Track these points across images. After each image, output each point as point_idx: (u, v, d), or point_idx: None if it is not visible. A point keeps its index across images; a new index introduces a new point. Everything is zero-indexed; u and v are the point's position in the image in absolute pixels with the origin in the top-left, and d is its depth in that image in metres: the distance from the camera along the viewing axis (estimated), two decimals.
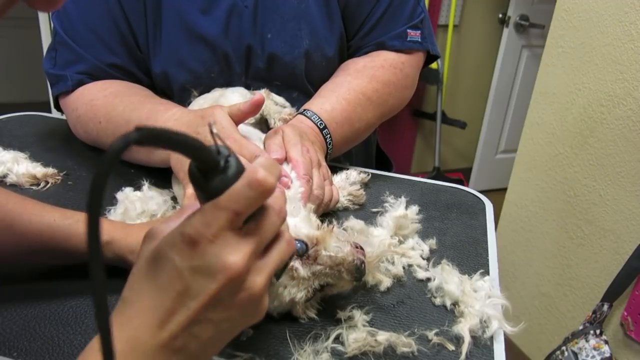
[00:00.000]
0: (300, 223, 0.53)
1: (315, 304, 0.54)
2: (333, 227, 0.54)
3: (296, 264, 0.50)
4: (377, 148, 1.12)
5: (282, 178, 0.61)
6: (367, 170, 0.86)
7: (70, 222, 0.54)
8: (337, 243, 0.51)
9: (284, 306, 0.52)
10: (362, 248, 0.52)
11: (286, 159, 0.66)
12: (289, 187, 0.61)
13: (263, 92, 0.80)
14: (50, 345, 0.49)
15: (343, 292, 0.55)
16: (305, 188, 0.62)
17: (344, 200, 0.75)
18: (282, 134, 0.68)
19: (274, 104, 0.81)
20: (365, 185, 0.82)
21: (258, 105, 0.68)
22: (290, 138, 0.67)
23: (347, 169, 0.82)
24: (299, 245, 0.50)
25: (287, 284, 0.50)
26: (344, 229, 0.57)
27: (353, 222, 0.59)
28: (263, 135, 0.72)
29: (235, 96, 0.78)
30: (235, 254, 0.34)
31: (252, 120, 0.77)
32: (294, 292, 0.50)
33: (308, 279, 0.50)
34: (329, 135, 0.77)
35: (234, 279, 0.34)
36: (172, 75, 0.85)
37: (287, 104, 0.84)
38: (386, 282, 0.59)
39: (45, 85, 0.84)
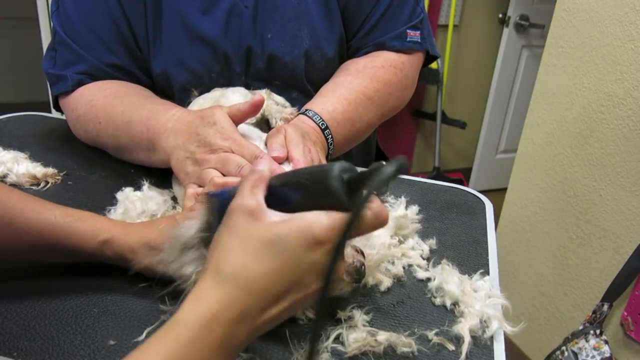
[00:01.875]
0: None
1: (313, 304, 0.54)
2: None
3: None
4: (377, 148, 1.12)
5: None
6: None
7: (70, 220, 0.54)
8: None
9: None
10: (361, 251, 0.52)
11: (287, 159, 0.66)
12: None
13: (264, 93, 0.80)
14: (50, 345, 0.49)
15: (343, 294, 0.55)
16: None
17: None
18: (285, 133, 0.68)
19: (275, 104, 0.81)
20: None
21: (258, 106, 0.68)
22: (293, 138, 0.67)
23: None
24: None
25: None
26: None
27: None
28: (264, 135, 0.72)
29: (236, 96, 0.78)
30: (341, 262, 0.40)
31: (252, 120, 0.77)
32: None
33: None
34: (330, 136, 0.77)
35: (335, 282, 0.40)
36: (172, 75, 0.85)
37: (288, 104, 0.84)
38: (386, 282, 0.59)
39: (45, 85, 0.84)
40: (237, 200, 0.40)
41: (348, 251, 0.51)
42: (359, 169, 0.41)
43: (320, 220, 0.37)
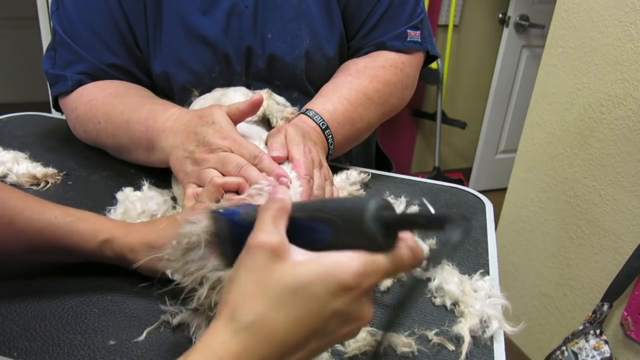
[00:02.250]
0: None
1: None
2: None
3: None
4: (377, 148, 1.12)
5: (282, 178, 0.61)
6: (367, 170, 0.86)
7: (71, 220, 0.54)
8: None
9: None
10: None
11: (287, 159, 0.66)
12: (288, 187, 0.61)
13: (264, 92, 0.80)
14: (50, 345, 0.48)
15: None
16: (305, 188, 0.62)
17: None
18: (285, 133, 0.68)
19: (276, 104, 0.81)
20: (365, 185, 0.82)
21: (256, 105, 0.68)
22: (293, 137, 0.67)
23: (347, 169, 0.82)
24: None
25: None
26: None
27: None
28: (264, 134, 0.72)
29: (237, 95, 0.78)
30: (370, 307, 0.36)
31: (254, 118, 0.77)
32: None
33: None
34: (330, 136, 0.77)
35: (362, 327, 0.37)
36: (173, 76, 0.85)
37: (289, 104, 0.84)
38: (386, 282, 0.59)
39: (45, 85, 0.84)
40: (258, 235, 0.36)
41: None
42: (396, 207, 0.38)
43: (351, 266, 0.34)
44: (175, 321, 0.51)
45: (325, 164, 0.71)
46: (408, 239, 0.36)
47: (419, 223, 0.33)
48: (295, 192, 0.60)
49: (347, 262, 0.34)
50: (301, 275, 0.34)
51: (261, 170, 0.62)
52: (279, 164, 0.64)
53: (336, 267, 0.34)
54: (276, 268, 0.34)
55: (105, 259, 0.55)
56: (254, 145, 0.65)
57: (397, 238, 0.33)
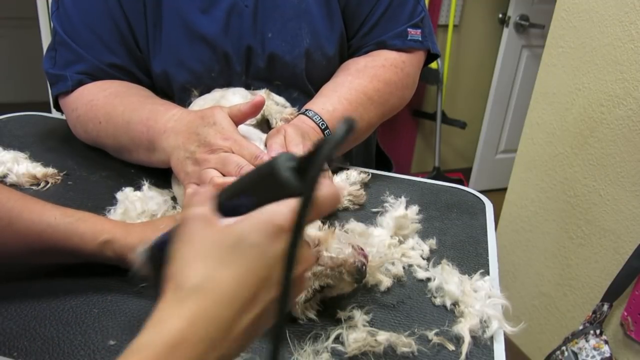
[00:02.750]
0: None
1: (314, 304, 0.54)
2: (335, 229, 0.54)
3: None
4: (377, 148, 1.12)
5: None
6: (367, 170, 0.86)
7: (70, 221, 0.54)
8: (338, 244, 0.52)
9: None
10: (363, 250, 0.53)
11: None
12: None
13: (263, 93, 0.80)
14: (50, 345, 0.48)
15: (343, 294, 0.55)
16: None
17: (344, 201, 0.75)
18: (284, 134, 0.68)
19: (275, 104, 0.81)
20: (365, 185, 0.82)
21: (258, 107, 0.68)
22: (292, 138, 0.67)
23: (347, 169, 0.82)
24: None
25: None
26: (345, 231, 0.57)
27: (354, 225, 0.59)
28: (263, 136, 0.72)
29: (236, 97, 0.78)
30: (309, 248, 0.36)
31: (253, 121, 0.77)
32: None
33: (308, 280, 0.50)
34: (330, 136, 0.77)
35: (307, 270, 0.36)
36: (173, 75, 0.85)
37: (288, 104, 0.84)
38: (386, 282, 0.59)
39: (45, 85, 0.84)
40: (187, 212, 0.36)
41: (349, 250, 0.51)
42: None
43: (279, 209, 0.34)
44: None
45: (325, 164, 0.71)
46: (325, 181, 0.36)
47: (325, 154, 0.34)
48: None
49: (276, 208, 0.34)
50: (236, 230, 0.34)
51: None
52: None
53: (268, 214, 0.34)
54: (211, 231, 0.34)
55: (105, 260, 0.55)
56: (255, 146, 0.65)
57: (314, 181, 0.33)
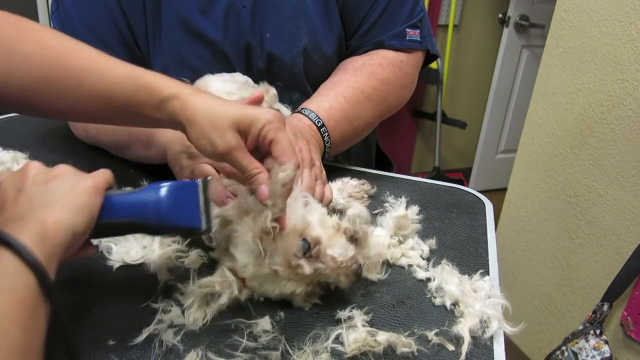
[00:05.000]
0: (315, 222, 0.55)
1: (315, 295, 0.56)
2: (345, 229, 0.56)
3: (302, 261, 0.52)
4: (377, 148, 1.12)
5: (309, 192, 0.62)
6: (367, 170, 0.86)
7: (139, 75, 0.54)
8: (341, 247, 0.53)
9: (284, 296, 0.54)
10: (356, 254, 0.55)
11: None
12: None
13: (262, 88, 0.80)
14: (50, 345, 0.48)
15: (342, 290, 0.56)
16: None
17: (343, 202, 0.74)
18: None
19: (275, 96, 0.82)
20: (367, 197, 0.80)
21: (256, 103, 0.68)
22: None
23: (351, 177, 0.80)
24: (301, 243, 0.52)
25: (291, 277, 0.52)
26: (348, 219, 0.58)
27: (358, 210, 0.60)
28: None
29: (217, 83, 0.77)
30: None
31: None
32: (295, 286, 0.52)
33: (310, 276, 0.52)
34: (326, 134, 0.77)
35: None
36: (173, 74, 0.84)
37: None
38: (379, 276, 0.60)
39: None
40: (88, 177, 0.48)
41: (351, 253, 0.53)
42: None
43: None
44: (167, 318, 0.51)
45: (317, 163, 0.71)
46: None
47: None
48: (322, 215, 0.60)
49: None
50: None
51: None
52: None
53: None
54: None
55: (162, 124, 0.56)
56: None
57: None
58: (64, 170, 0.49)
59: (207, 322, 0.51)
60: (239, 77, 0.79)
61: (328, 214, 0.59)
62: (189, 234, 0.55)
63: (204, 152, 0.53)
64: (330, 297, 0.57)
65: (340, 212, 0.74)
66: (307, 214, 0.55)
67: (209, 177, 0.52)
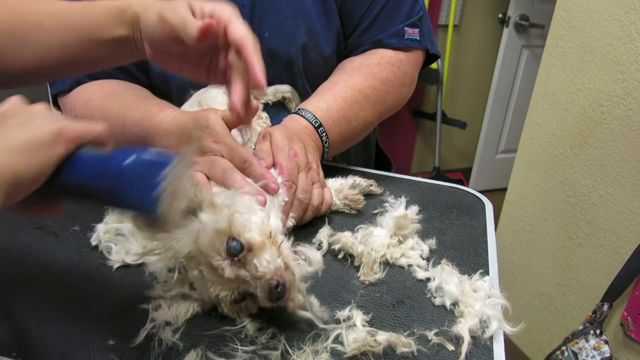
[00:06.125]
0: (253, 225, 0.52)
1: (247, 312, 0.52)
2: (282, 242, 0.52)
3: (223, 263, 0.49)
4: (377, 148, 1.12)
5: (270, 184, 0.62)
6: (367, 170, 0.86)
7: (93, 3, 0.55)
8: (269, 258, 0.49)
9: (212, 300, 0.52)
10: (293, 274, 0.50)
11: (274, 164, 0.66)
12: (277, 192, 0.62)
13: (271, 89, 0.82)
14: (50, 345, 0.48)
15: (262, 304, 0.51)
16: (287, 194, 0.63)
17: (339, 204, 0.74)
18: (270, 138, 0.69)
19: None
20: (369, 195, 0.80)
21: (252, 114, 0.68)
22: (278, 142, 0.68)
23: (354, 175, 0.79)
24: (234, 244, 0.49)
25: (213, 280, 0.50)
26: (294, 251, 0.53)
27: (311, 253, 0.54)
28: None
29: (218, 95, 0.78)
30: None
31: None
32: (218, 290, 0.50)
33: (232, 281, 0.49)
34: (324, 134, 0.77)
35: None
36: (171, 75, 0.85)
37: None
38: (378, 276, 0.60)
39: (44, 85, 0.84)
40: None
41: (274, 267, 0.49)
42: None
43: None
44: (156, 314, 0.51)
45: (314, 165, 0.71)
46: None
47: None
48: (282, 197, 0.60)
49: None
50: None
51: (250, 175, 0.63)
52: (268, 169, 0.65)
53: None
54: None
55: (123, 46, 0.56)
56: (246, 150, 0.65)
57: None
58: (38, 109, 0.43)
59: (188, 318, 0.52)
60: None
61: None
62: (140, 214, 0.47)
63: (153, 29, 0.54)
64: (330, 297, 0.57)
65: (337, 213, 0.75)
66: (250, 214, 0.52)
67: (188, 165, 0.47)
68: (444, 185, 0.88)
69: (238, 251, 0.49)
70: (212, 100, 0.77)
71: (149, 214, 0.44)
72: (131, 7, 0.55)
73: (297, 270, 0.51)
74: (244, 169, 0.63)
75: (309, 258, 0.52)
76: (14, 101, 0.43)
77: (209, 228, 0.49)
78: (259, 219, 0.53)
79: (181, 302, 0.52)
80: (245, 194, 0.58)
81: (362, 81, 0.82)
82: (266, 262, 0.49)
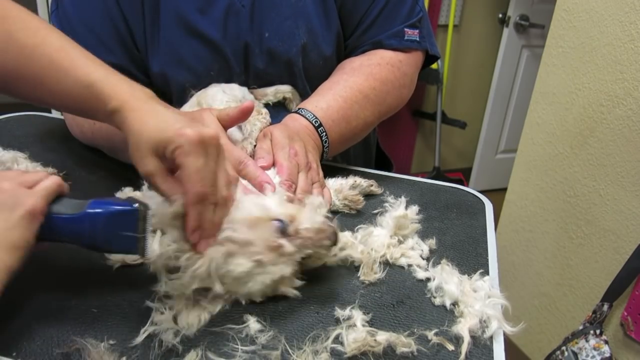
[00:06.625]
0: (274, 205, 0.56)
1: (299, 275, 0.56)
2: (304, 202, 0.58)
3: (282, 241, 0.52)
4: (377, 148, 1.12)
5: (266, 185, 0.62)
6: (367, 170, 0.86)
7: (97, 79, 0.55)
8: (310, 216, 0.55)
9: (273, 284, 0.54)
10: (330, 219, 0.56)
11: (274, 163, 0.66)
12: (273, 192, 0.62)
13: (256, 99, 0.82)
14: (49, 345, 0.48)
15: (319, 264, 0.58)
16: (287, 193, 0.63)
17: (338, 204, 0.74)
18: (271, 137, 0.69)
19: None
20: (370, 195, 0.80)
21: (246, 112, 0.67)
22: (279, 141, 0.68)
23: (355, 177, 0.79)
24: (279, 223, 0.53)
25: (276, 261, 0.52)
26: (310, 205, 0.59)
27: (312, 199, 0.61)
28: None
29: (217, 94, 0.78)
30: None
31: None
32: (282, 268, 0.53)
33: (293, 254, 0.53)
34: (324, 134, 0.77)
35: None
36: (171, 75, 0.85)
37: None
38: (378, 275, 0.61)
39: None
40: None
41: (320, 218, 0.55)
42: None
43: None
44: (162, 317, 0.51)
45: (314, 165, 0.70)
46: None
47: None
48: (280, 197, 0.60)
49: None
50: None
51: (245, 176, 0.63)
52: (267, 169, 0.65)
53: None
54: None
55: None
56: (241, 151, 0.65)
57: None
58: (2, 189, 0.48)
59: (201, 326, 0.51)
60: (237, 92, 0.80)
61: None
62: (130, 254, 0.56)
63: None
64: (330, 297, 0.57)
65: (335, 213, 0.75)
66: (262, 201, 0.57)
67: (150, 207, 0.51)
68: (444, 185, 0.88)
69: (286, 226, 0.53)
70: (212, 99, 0.77)
71: (131, 253, 0.52)
72: (114, 115, 0.53)
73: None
74: (240, 170, 0.63)
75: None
76: None
77: (254, 220, 0.53)
78: (273, 199, 0.57)
79: (191, 309, 0.52)
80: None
81: (362, 81, 0.82)
82: (313, 221, 0.54)
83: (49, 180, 0.51)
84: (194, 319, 0.51)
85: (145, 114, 0.52)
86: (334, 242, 0.55)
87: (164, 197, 0.51)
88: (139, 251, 0.51)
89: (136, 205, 0.50)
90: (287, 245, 0.52)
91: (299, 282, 0.56)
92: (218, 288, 0.53)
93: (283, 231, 0.53)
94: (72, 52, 0.57)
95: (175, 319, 0.51)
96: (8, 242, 0.45)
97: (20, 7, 0.60)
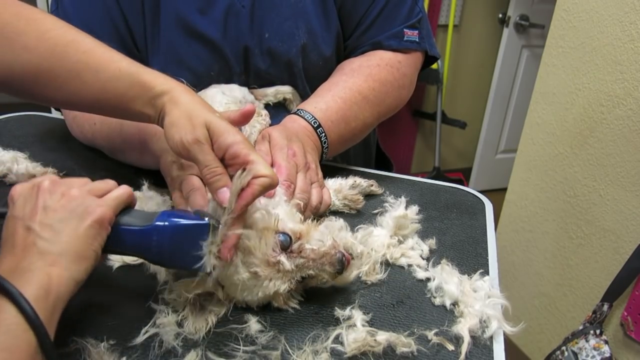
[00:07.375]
0: (284, 217, 0.54)
1: (297, 295, 0.55)
2: (317, 222, 0.56)
3: (281, 257, 0.51)
4: (377, 148, 1.12)
5: (277, 189, 0.62)
6: (367, 170, 0.86)
7: (136, 70, 0.56)
8: (320, 237, 0.53)
9: (266, 297, 0.53)
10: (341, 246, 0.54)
11: (273, 164, 0.66)
12: (272, 194, 0.62)
13: (256, 102, 0.81)
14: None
15: (324, 284, 0.56)
16: (286, 193, 0.63)
17: (338, 204, 0.74)
18: (269, 138, 0.68)
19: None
20: (370, 195, 0.80)
21: (247, 116, 0.67)
22: (277, 142, 0.68)
23: (355, 177, 0.79)
24: (282, 238, 0.52)
25: (272, 276, 0.51)
26: (325, 226, 0.57)
27: (333, 222, 0.58)
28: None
29: (217, 95, 0.78)
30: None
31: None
32: (278, 285, 0.51)
33: (292, 272, 0.52)
34: (323, 134, 0.77)
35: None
36: (171, 75, 0.84)
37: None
38: (379, 276, 0.60)
39: None
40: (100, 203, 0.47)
41: (330, 243, 0.53)
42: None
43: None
44: (166, 320, 0.51)
45: (313, 165, 0.70)
46: None
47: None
48: (279, 198, 0.60)
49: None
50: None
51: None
52: None
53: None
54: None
55: (147, 119, 0.57)
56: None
57: None
58: (73, 196, 0.46)
59: (210, 330, 0.51)
60: (236, 93, 0.80)
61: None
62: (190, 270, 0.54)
63: (171, 141, 0.53)
64: (330, 297, 0.57)
65: (336, 213, 0.75)
66: (271, 209, 0.55)
67: (220, 222, 0.50)
68: (444, 185, 0.88)
69: (289, 243, 0.52)
70: (211, 100, 0.77)
71: (191, 270, 0.50)
72: (161, 97, 0.55)
73: (341, 240, 0.54)
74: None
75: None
76: (48, 190, 0.46)
77: (253, 232, 0.51)
78: (284, 210, 0.56)
79: (197, 314, 0.52)
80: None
81: (362, 82, 0.82)
82: (321, 242, 0.53)
83: (120, 190, 0.50)
84: (201, 323, 0.51)
85: (197, 98, 0.56)
86: (340, 270, 0.53)
87: (199, 168, 0.52)
88: (205, 267, 0.49)
89: (207, 219, 0.49)
90: (286, 263, 0.51)
91: (296, 301, 0.54)
92: (220, 295, 0.53)
93: (285, 247, 0.52)
94: (106, 47, 0.59)
95: (179, 324, 0.51)
96: (76, 252, 0.44)
97: (43, 11, 0.60)
